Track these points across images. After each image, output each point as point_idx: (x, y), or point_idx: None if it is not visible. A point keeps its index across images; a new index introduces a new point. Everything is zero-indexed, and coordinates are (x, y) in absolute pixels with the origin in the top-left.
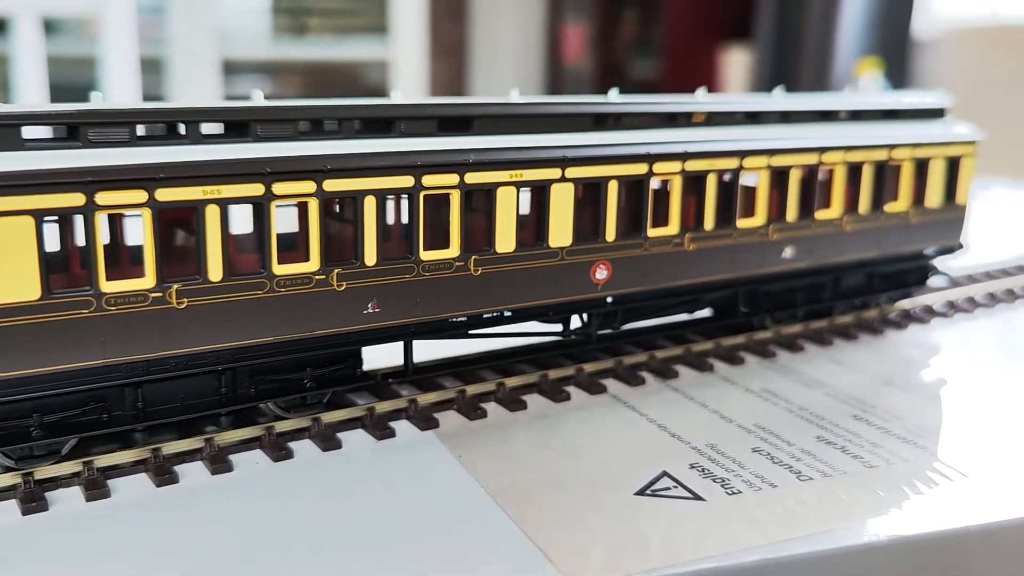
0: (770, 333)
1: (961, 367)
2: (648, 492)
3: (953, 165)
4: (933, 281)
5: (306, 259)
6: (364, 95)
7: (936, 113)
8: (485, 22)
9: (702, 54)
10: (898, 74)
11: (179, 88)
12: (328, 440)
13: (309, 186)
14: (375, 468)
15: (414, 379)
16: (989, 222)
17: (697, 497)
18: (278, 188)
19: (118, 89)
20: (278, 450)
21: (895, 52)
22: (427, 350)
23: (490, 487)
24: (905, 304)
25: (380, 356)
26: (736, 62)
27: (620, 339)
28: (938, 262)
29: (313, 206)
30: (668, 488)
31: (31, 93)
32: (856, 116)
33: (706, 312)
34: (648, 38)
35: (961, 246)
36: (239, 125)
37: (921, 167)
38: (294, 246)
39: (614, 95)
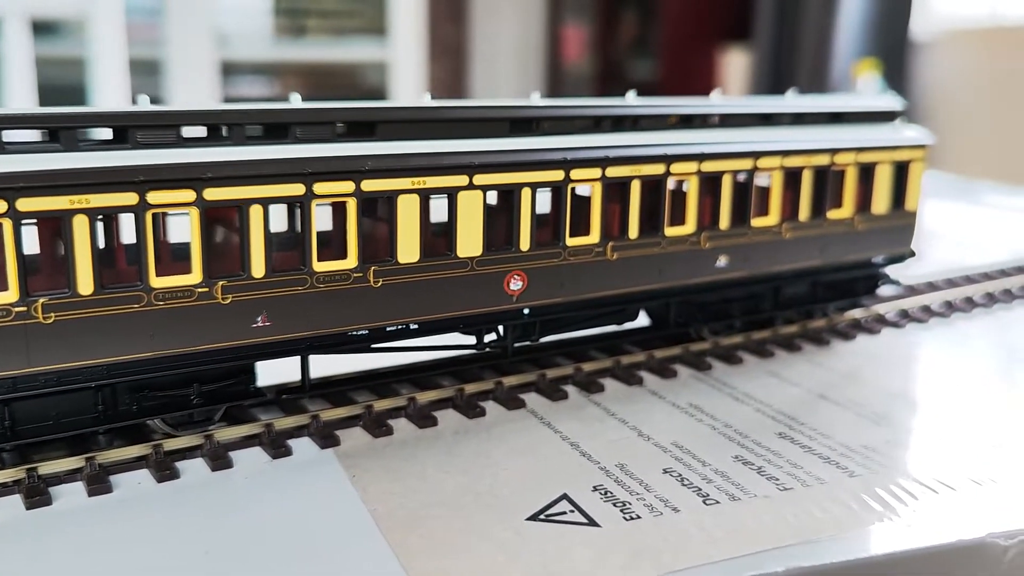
0: (707, 344)
1: (902, 380)
2: (542, 517)
3: (902, 170)
4: (884, 290)
5: (188, 271)
6: (364, 97)
7: (886, 116)
8: (484, 23)
9: (700, 56)
10: (896, 75)
11: (176, 89)
12: (217, 459)
13: (189, 195)
14: (261, 489)
15: (314, 394)
16: (969, 228)
17: (592, 523)
18: (153, 197)
19: (107, 90)
20: (163, 470)
21: (893, 53)
22: (344, 363)
23: (377, 511)
24: (856, 314)
25: (289, 370)
26: (734, 63)
27: (547, 351)
28: (895, 270)
29: (195, 216)
30: (564, 513)
31: (19, 95)
32: (797, 120)
33: (645, 322)
34: (647, 40)
35: (912, 254)
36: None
37: (867, 172)
38: (176, 258)
39: (536, 98)
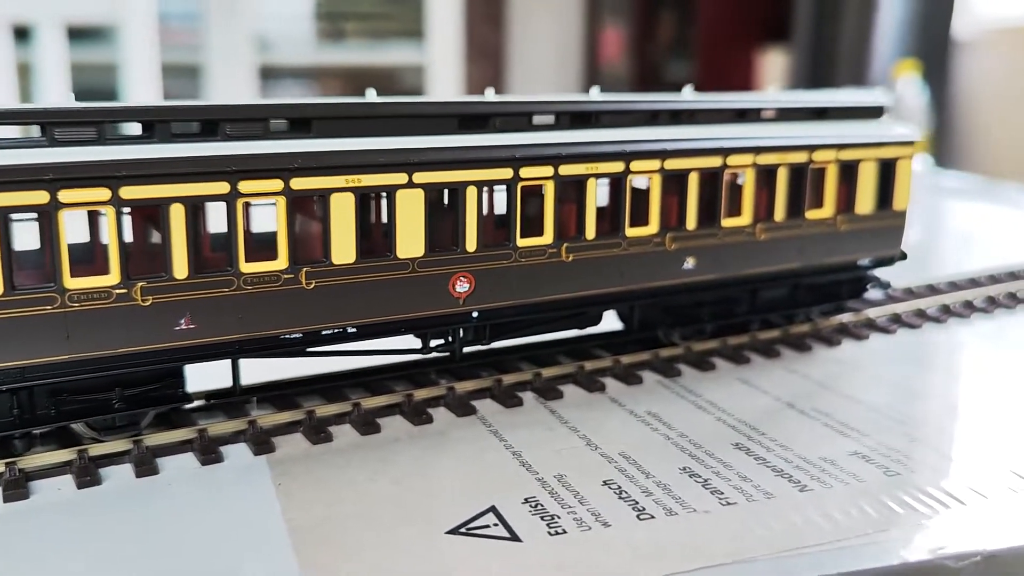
0: (679, 350)
1: (880, 389)
2: (463, 531)
3: (888, 168)
4: (875, 294)
5: (105, 272)
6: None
7: (872, 112)
8: (522, 25)
9: (738, 56)
10: (937, 76)
11: (216, 93)
12: (143, 465)
13: (104, 193)
14: (181, 497)
15: (262, 399)
16: (995, 229)
17: (514, 538)
18: (66, 196)
19: (140, 94)
20: (83, 476)
21: (934, 54)
22: (299, 367)
23: (294, 522)
24: (846, 318)
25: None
26: (773, 64)
27: (510, 354)
28: (886, 272)
29: (111, 216)
30: (487, 527)
31: (55, 100)
32: (773, 115)
33: (618, 326)
34: (685, 40)
35: (903, 256)
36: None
37: (848, 170)
38: (90, 259)
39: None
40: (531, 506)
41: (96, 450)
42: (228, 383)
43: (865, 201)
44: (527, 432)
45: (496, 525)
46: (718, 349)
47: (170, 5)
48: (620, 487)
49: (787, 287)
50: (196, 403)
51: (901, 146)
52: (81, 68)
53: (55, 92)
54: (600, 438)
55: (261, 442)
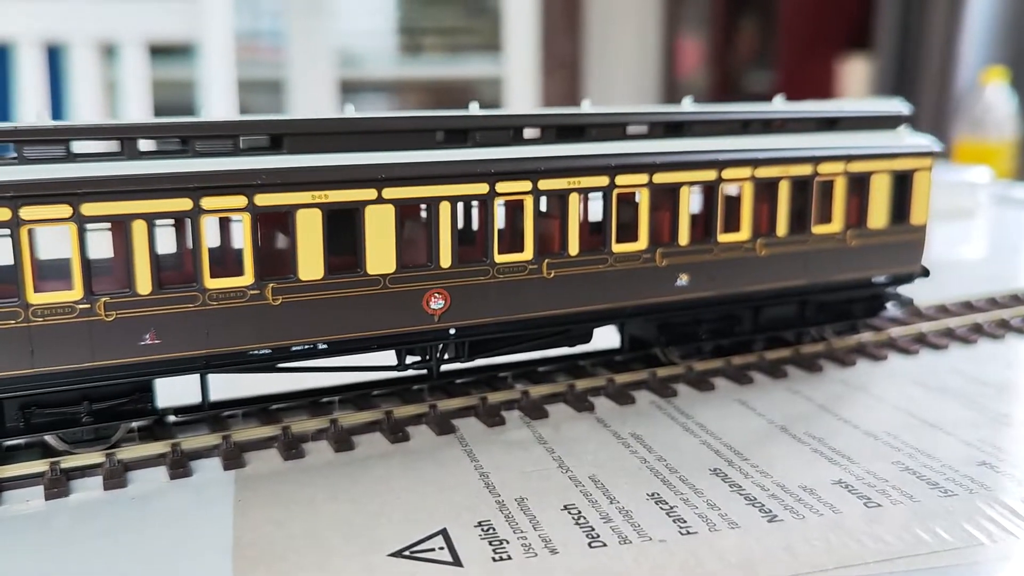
0: (679, 369)
1: (883, 413)
2: (406, 554)
3: (903, 181)
4: (896, 312)
5: (68, 287)
6: None
7: (887, 122)
8: (599, 37)
9: (820, 65)
10: None
11: (298, 108)
12: (112, 478)
13: (65, 210)
14: (140, 511)
15: (248, 413)
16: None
17: (456, 562)
18: (27, 213)
19: (217, 109)
20: (51, 487)
21: (1023, 61)
22: (289, 382)
23: (241, 539)
24: (866, 337)
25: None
26: (855, 72)
27: (504, 372)
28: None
29: (73, 232)
30: (431, 550)
31: (138, 116)
32: (775, 126)
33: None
34: (765, 50)
35: (924, 272)
36: None
37: (859, 183)
38: (56, 274)
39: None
40: (483, 530)
41: (69, 462)
42: (231, 396)
43: (878, 215)
44: (501, 452)
45: (442, 549)
46: (720, 369)
47: (257, 23)
48: (580, 512)
49: (795, 305)
50: (187, 417)
51: (918, 157)
52: (162, 85)
53: (137, 108)
54: (573, 460)
55: (231, 457)
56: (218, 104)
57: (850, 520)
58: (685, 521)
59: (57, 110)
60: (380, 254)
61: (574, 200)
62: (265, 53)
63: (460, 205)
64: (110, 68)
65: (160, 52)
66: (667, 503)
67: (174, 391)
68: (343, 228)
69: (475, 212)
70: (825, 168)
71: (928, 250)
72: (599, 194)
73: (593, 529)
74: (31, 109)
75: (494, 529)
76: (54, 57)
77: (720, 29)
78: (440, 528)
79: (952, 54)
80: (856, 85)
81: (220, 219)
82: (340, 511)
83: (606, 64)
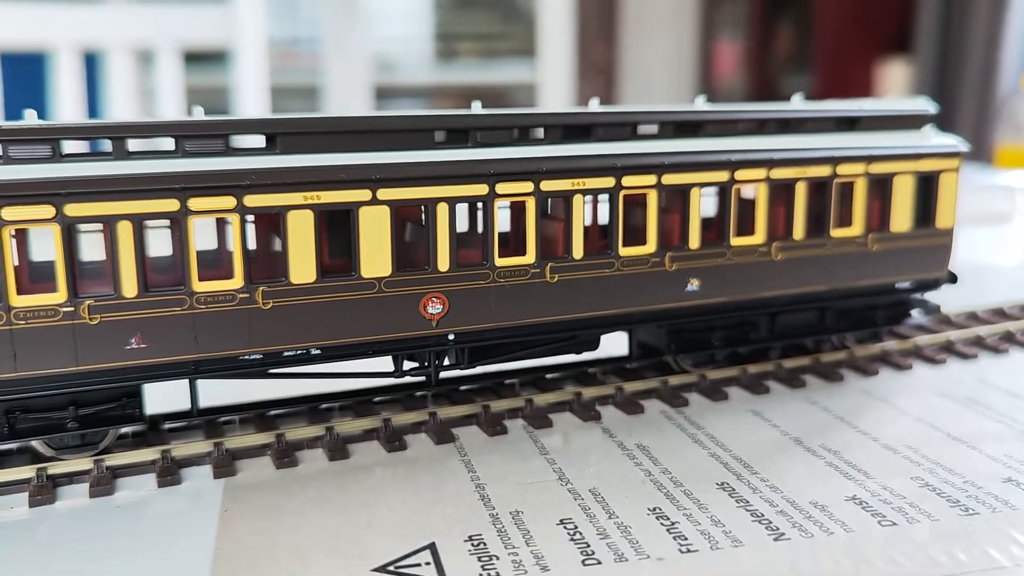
0: (692, 377)
1: (907, 425)
2: (390, 569)
3: (928, 183)
4: (922, 319)
5: (53, 290)
6: None
7: (912, 121)
8: (635, 42)
9: (859, 69)
10: None
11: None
12: (98, 485)
13: (48, 211)
14: (123, 520)
15: (244, 419)
16: None
17: None
18: (7, 213)
19: (250, 114)
20: (36, 494)
21: None
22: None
23: (222, 551)
24: (892, 346)
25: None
26: (894, 76)
27: (510, 378)
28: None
29: (56, 233)
30: (417, 565)
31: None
32: (791, 126)
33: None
34: (802, 54)
35: (951, 278)
36: None
37: (881, 185)
38: (40, 277)
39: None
40: (473, 545)
41: (57, 468)
42: (239, 398)
43: (902, 218)
44: (500, 463)
45: (428, 564)
46: (734, 378)
47: (295, 30)
48: (576, 527)
49: (814, 312)
50: (177, 423)
51: (944, 158)
52: (197, 91)
53: (172, 113)
54: (574, 472)
55: (222, 465)
56: (251, 109)
57: (861, 539)
58: (686, 538)
59: (93, 116)
60: (375, 257)
61: (578, 202)
62: (302, 59)
63: (459, 207)
64: (146, 74)
65: (195, 58)
66: (668, 519)
67: (171, 396)
68: (336, 230)
69: (475, 214)
70: (844, 169)
71: (960, 255)
72: (605, 196)
73: (588, 545)
74: (68, 114)
75: (485, 544)
76: (91, 63)
77: (757, 33)
78: (429, 542)
79: (994, 58)
80: (896, 89)
81: (208, 220)
82: (327, 522)
83: (642, 69)
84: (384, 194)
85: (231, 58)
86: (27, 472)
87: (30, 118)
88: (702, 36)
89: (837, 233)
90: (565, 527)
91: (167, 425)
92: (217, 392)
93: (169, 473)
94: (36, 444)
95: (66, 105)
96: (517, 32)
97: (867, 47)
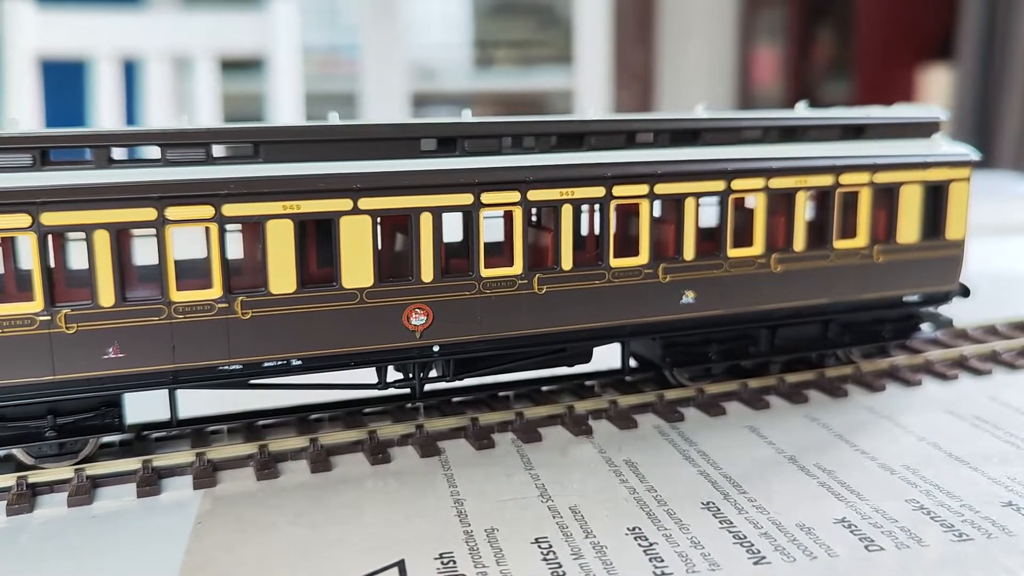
0: (689, 392)
1: (909, 443)
2: None
3: (937, 193)
4: (933, 333)
5: (30, 299)
6: None
7: (921, 129)
8: (673, 48)
9: (899, 74)
10: None
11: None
12: (76, 495)
13: (25, 219)
14: (97, 531)
15: (233, 430)
16: None
17: None
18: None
19: (284, 121)
20: (14, 503)
21: None
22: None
23: (189, 564)
24: (900, 360)
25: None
26: (936, 82)
27: (502, 391)
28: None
29: (33, 242)
30: None
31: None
32: (793, 134)
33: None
34: (842, 60)
35: (963, 291)
36: None
37: (887, 194)
38: (16, 286)
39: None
40: (443, 563)
41: (37, 477)
42: (231, 408)
43: (909, 229)
44: (482, 478)
45: None
46: (735, 392)
47: (334, 37)
48: (551, 546)
49: (817, 325)
50: (159, 433)
51: (954, 167)
52: (233, 98)
53: (208, 120)
54: (557, 488)
55: (203, 476)
56: (285, 116)
57: (844, 565)
58: (662, 560)
59: (131, 123)
60: (356, 267)
61: (566, 212)
62: (341, 66)
63: (443, 217)
64: (183, 82)
65: (231, 66)
66: (647, 539)
67: (158, 406)
68: (317, 240)
69: (459, 224)
70: (848, 178)
71: (981, 266)
72: (596, 206)
73: (560, 566)
74: (107, 122)
75: (455, 562)
76: (130, 71)
77: (796, 39)
78: (398, 559)
79: None
80: (938, 95)
81: (187, 230)
82: (298, 537)
83: (679, 75)
84: (365, 203)
85: (266, 65)
86: (7, 480)
87: (11, 126)
88: (741, 42)
89: (840, 244)
90: (540, 546)
91: (153, 435)
92: (210, 402)
93: (149, 483)
94: (16, 452)
95: (105, 113)
96: (554, 39)
97: (908, 53)
